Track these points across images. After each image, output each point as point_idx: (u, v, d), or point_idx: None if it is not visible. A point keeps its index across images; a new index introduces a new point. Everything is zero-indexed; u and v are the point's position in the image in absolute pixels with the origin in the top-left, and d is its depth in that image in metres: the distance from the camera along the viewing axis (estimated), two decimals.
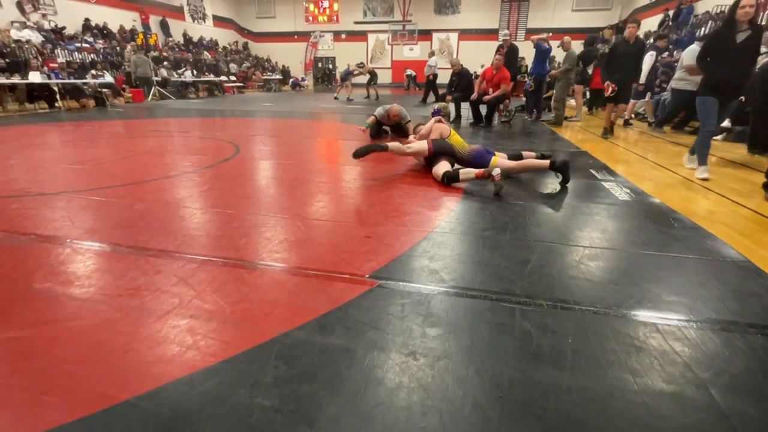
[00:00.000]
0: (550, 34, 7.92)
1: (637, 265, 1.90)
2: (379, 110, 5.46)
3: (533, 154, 3.74)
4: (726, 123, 5.66)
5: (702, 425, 1.03)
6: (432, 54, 10.77)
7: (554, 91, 7.16)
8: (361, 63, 13.37)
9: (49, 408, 1.06)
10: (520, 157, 3.62)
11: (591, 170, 3.78)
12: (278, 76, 20.61)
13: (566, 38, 7.04)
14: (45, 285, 1.67)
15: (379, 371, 1.20)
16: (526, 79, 8.10)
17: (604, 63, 5.67)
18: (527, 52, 7.62)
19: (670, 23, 12.73)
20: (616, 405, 1.09)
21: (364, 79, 12.77)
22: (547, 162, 3.26)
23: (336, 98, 12.67)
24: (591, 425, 1.02)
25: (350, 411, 1.06)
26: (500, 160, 3.39)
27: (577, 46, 7.50)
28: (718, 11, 10.22)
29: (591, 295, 1.63)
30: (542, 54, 7.13)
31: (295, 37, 23.18)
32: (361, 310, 1.51)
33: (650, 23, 14.29)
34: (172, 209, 2.61)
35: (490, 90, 6.71)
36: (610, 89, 5.37)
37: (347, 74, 12.68)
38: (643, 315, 1.50)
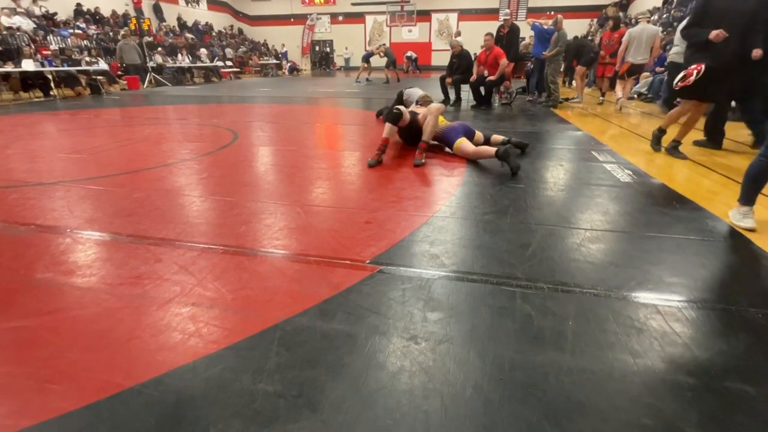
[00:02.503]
0: (551, 12, 7.74)
1: (639, 247, 1.90)
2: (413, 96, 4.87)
3: (500, 138, 3.77)
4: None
5: (701, 404, 1.04)
6: (458, 34, 10.68)
7: (547, 74, 7.03)
8: (382, 44, 13.63)
9: (53, 396, 1.07)
10: (488, 141, 3.74)
11: (592, 152, 3.74)
12: (275, 61, 20.27)
13: (559, 17, 6.80)
14: (46, 275, 1.67)
15: (380, 356, 1.21)
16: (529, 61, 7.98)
17: (687, 26, 3.22)
18: (528, 32, 7.46)
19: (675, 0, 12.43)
20: (616, 386, 1.10)
21: (382, 62, 12.94)
22: (493, 150, 3.17)
23: (357, 81, 12.92)
24: (591, 406, 1.03)
25: (352, 395, 1.07)
26: (462, 144, 3.43)
27: (579, 25, 7.34)
28: None
29: (592, 278, 1.63)
30: (541, 34, 6.99)
31: (292, 20, 22.74)
32: (362, 295, 1.51)
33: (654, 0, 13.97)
34: (171, 197, 2.60)
35: (485, 72, 6.62)
36: (693, 73, 3.01)
37: (369, 55, 13.07)
38: (643, 297, 1.50)
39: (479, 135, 3.76)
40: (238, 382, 1.11)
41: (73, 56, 10.11)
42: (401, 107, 3.48)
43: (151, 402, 1.05)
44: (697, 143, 3.99)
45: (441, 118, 3.72)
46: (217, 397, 1.06)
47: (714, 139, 3.92)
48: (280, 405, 1.03)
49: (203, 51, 16.29)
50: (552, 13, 7.64)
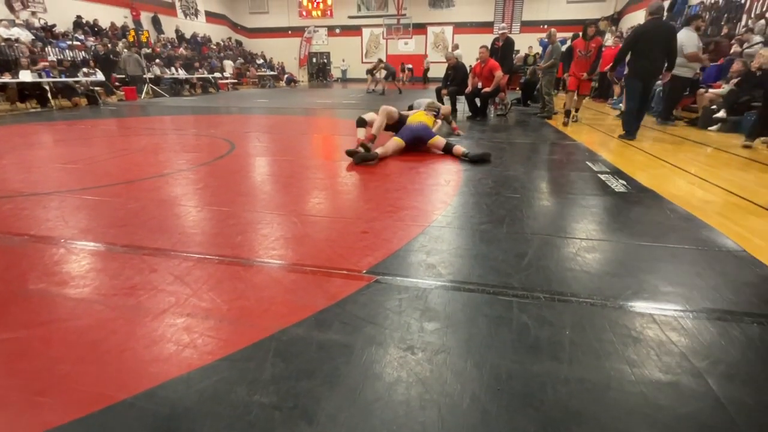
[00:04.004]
0: (545, 26, 7.91)
1: (634, 257, 1.91)
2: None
3: (461, 150, 3.88)
4: (721, 113, 5.65)
5: (699, 414, 1.03)
6: (456, 47, 10.96)
7: (542, 85, 7.16)
8: (379, 59, 14.63)
9: (45, 409, 1.05)
10: (450, 151, 3.96)
11: (587, 162, 3.78)
12: (271, 72, 20.43)
13: (552, 30, 6.98)
14: (39, 285, 1.65)
15: (377, 366, 1.20)
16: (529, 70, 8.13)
17: None
18: (522, 45, 7.62)
19: (666, 13, 12.72)
20: (613, 396, 1.09)
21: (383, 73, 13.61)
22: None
23: (369, 91, 13.48)
24: (589, 416, 1.03)
25: (349, 406, 1.05)
26: (390, 142, 3.93)
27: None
28: (713, 0, 10.20)
29: (588, 287, 1.63)
30: (546, 48, 7.18)
31: (289, 32, 23.02)
32: (359, 305, 1.51)
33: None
34: (167, 207, 2.59)
35: (479, 84, 6.71)
36: None
37: (369, 70, 13.88)
38: (639, 306, 1.50)
39: (439, 141, 3.99)
40: (233, 394, 1.09)
41: (70, 65, 10.17)
42: (366, 114, 4.13)
43: (144, 415, 1.03)
44: (621, 137, 5.02)
45: (415, 115, 4.30)
46: (212, 409, 1.05)
47: (631, 132, 4.95)
48: (275, 417, 1.02)
49: (227, 63, 16.67)
50: (545, 27, 7.81)
